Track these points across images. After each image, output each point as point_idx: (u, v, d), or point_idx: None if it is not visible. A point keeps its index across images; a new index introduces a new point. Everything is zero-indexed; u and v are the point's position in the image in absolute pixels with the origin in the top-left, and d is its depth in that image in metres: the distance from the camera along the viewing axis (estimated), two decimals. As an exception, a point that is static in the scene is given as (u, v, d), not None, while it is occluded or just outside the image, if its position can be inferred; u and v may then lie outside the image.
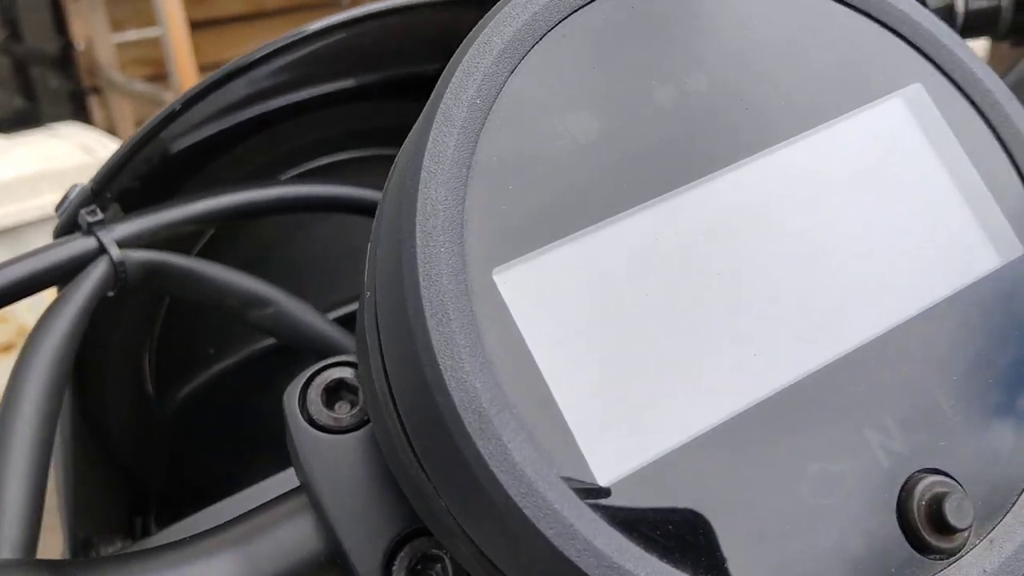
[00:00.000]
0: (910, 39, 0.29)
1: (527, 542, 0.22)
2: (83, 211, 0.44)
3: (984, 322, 0.27)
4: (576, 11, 0.26)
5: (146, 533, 0.58)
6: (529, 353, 0.23)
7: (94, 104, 3.43)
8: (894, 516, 0.24)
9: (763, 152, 0.26)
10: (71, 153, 2.32)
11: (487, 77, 0.24)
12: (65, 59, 3.31)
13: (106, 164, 0.46)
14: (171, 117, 0.47)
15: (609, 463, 0.23)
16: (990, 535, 0.25)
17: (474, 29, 0.25)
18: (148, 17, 3.19)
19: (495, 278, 0.23)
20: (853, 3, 0.28)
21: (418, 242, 0.23)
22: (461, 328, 0.22)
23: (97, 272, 0.42)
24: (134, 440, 0.61)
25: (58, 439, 0.50)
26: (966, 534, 0.24)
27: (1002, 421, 0.26)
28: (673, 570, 0.22)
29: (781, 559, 0.23)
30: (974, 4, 0.50)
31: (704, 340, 0.24)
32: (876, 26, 0.29)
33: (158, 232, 0.44)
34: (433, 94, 0.25)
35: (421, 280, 0.22)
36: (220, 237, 0.60)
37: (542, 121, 0.25)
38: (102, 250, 0.43)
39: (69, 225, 0.45)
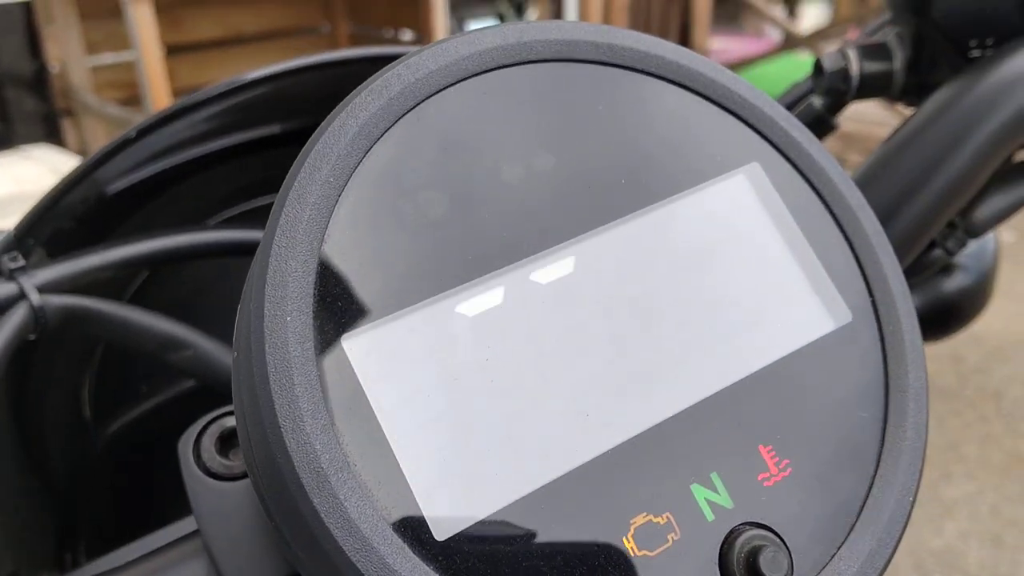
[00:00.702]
0: (748, 121, 0.31)
1: None
2: (5, 257, 0.45)
3: (812, 384, 0.29)
4: (431, 96, 0.28)
5: (76, 566, 0.60)
6: (373, 415, 0.25)
7: (67, 127, 3.44)
8: (716, 568, 0.26)
9: (605, 226, 0.28)
10: (42, 176, 2.33)
11: (340, 158, 0.26)
12: (39, 81, 3.32)
13: (32, 210, 0.48)
14: (100, 161, 0.49)
15: (445, 520, 0.25)
16: None
17: (331, 113, 0.27)
18: (123, 41, 3.20)
19: (344, 344, 0.25)
20: (694, 87, 0.31)
21: (266, 312, 0.24)
22: (304, 392, 0.24)
23: (17, 316, 0.44)
24: (70, 472, 0.62)
25: None
26: None
27: (823, 479, 0.28)
28: None
29: None
30: (868, 68, 0.52)
31: (538, 403, 0.26)
32: (716, 109, 0.31)
33: (79, 277, 0.46)
34: (290, 172, 0.26)
35: (267, 348, 0.24)
36: (155, 279, 0.61)
37: (395, 199, 0.27)
38: (22, 295, 0.44)
39: (-9, 270, 0.46)
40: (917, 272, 0.52)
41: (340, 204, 0.26)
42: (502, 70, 0.29)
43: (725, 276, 0.29)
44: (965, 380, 2.62)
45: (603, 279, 0.28)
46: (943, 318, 0.68)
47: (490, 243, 0.27)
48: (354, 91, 0.28)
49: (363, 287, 0.26)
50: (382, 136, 0.27)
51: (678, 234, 0.29)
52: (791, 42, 4.55)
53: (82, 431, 0.63)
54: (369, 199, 0.26)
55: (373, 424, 0.25)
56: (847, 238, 0.31)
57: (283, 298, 0.25)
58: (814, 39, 4.33)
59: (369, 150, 0.27)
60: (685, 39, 4.81)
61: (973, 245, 0.70)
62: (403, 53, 0.56)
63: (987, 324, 2.83)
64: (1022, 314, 2.90)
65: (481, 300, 0.27)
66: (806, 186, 0.31)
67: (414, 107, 0.28)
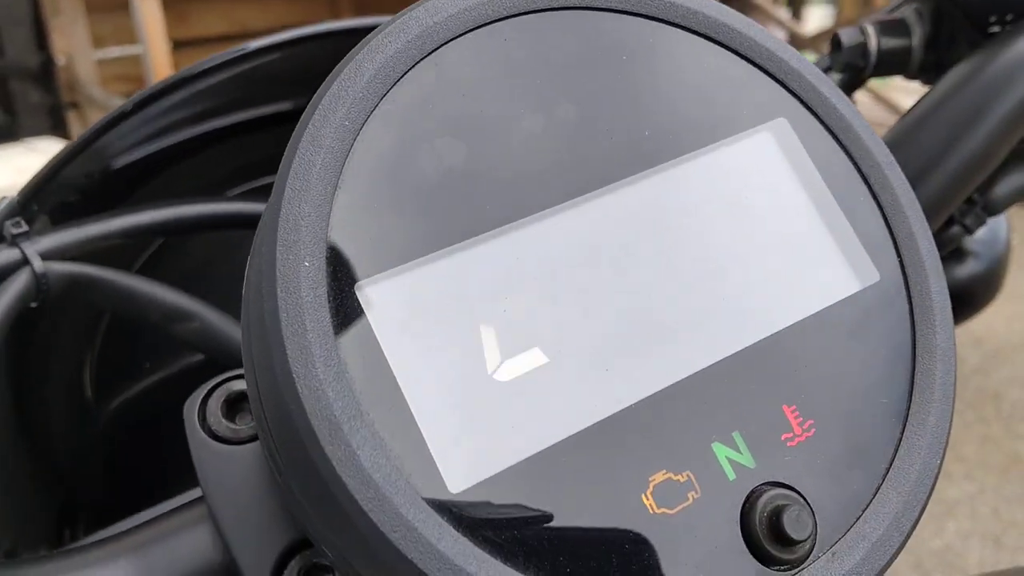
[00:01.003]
0: (775, 75, 0.30)
1: (377, 547, 0.23)
2: (8, 223, 0.44)
3: (838, 344, 0.28)
4: (449, 41, 0.27)
5: (75, 541, 0.59)
6: (387, 365, 0.24)
7: (73, 119, 3.44)
8: (737, 527, 0.25)
9: (628, 179, 0.28)
10: (45, 168, 2.31)
11: (356, 101, 0.25)
12: (46, 74, 3.31)
13: (35, 176, 0.47)
14: (100, 132, 0.48)
15: (460, 472, 0.24)
16: (833, 548, 0.26)
17: (348, 55, 0.27)
18: (129, 34, 3.20)
19: (357, 292, 0.24)
20: (720, 40, 0.30)
21: (278, 255, 0.24)
22: (317, 338, 0.23)
23: (19, 283, 0.43)
24: (71, 447, 0.62)
25: None
26: (807, 546, 0.25)
27: (848, 440, 0.27)
28: (515, 573, 0.23)
29: (623, 566, 0.24)
30: (886, 43, 0.52)
31: (558, 357, 0.25)
32: (743, 62, 0.30)
33: (83, 245, 0.45)
34: (303, 115, 0.26)
35: (279, 292, 0.23)
36: (164, 251, 0.60)
37: (411, 144, 0.26)
38: (25, 261, 0.44)
39: (-6, 237, 0.46)
40: (937, 248, 0.52)
41: (355, 148, 0.25)
42: (524, 16, 0.28)
43: (751, 233, 0.29)
44: (965, 381, 2.62)
45: (626, 233, 0.27)
46: (954, 304, 0.67)
47: (508, 193, 0.26)
48: (371, 33, 0.27)
49: (378, 234, 0.25)
50: (399, 80, 0.26)
51: (703, 189, 0.28)
52: (795, 43, 4.55)
53: (84, 407, 0.62)
54: (385, 144, 0.26)
55: (387, 373, 0.24)
56: (875, 196, 0.30)
57: (295, 242, 0.24)
58: (819, 40, 4.33)
59: (386, 94, 0.26)
60: (690, 39, 4.79)
61: (985, 232, 0.69)
62: None
63: (987, 325, 2.82)
64: (1022, 316, 2.89)
65: (499, 251, 0.26)
66: (834, 143, 0.30)
67: (433, 51, 0.27)
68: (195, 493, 0.40)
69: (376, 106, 0.26)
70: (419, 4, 0.28)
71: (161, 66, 2.93)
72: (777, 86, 0.30)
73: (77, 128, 3.42)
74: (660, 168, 0.28)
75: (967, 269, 0.68)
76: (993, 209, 0.49)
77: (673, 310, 0.27)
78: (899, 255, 0.29)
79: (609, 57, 0.29)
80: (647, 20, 0.29)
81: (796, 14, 5.72)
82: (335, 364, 0.23)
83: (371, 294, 0.24)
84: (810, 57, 0.52)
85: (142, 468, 0.61)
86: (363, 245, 0.25)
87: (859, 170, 0.30)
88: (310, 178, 0.25)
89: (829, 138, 0.30)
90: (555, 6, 0.28)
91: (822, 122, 0.30)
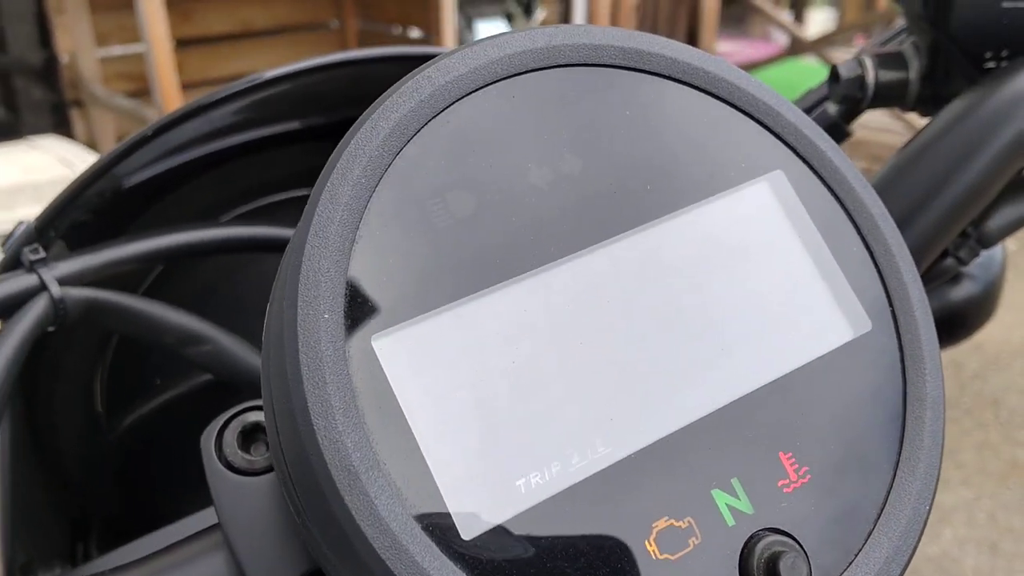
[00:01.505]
0: (772, 128, 0.31)
1: None
2: (26, 249, 0.46)
3: (832, 392, 0.29)
4: (460, 99, 0.28)
5: (87, 558, 0.60)
6: (402, 415, 0.25)
7: (76, 117, 3.45)
8: (736, 572, 0.27)
9: (630, 231, 0.29)
10: (50, 166, 2.33)
11: (372, 159, 0.27)
12: (49, 71, 3.32)
13: (52, 203, 0.49)
14: (117, 159, 0.49)
15: (472, 519, 0.25)
16: None
17: (363, 114, 0.28)
18: (133, 33, 3.21)
19: (374, 344, 0.26)
20: (720, 94, 0.31)
21: (299, 311, 0.25)
22: (336, 391, 0.24)
23: (37, 308, 0.44)
24: (82, 464, 0.63)
25: None
26: None
27: (842, 487, 0.28)
28: None
29: None
30: (884, 76, 0.53)
31: (564, 406, 0.27)
32: (742, 116, 0.31)
33: (99, 271, 0.46)
34: (322, 173, 0.27)
35: (300, 347, 0.25)
36: (168, 274, 0.62)
37: (424, 200, 0.27)
38: (43, 287, 0.45)
39: (13, 261, 0.47)
40: (929, 280, 0.53)
41: (371, 204, 0.26)
42: (531, 74, 0.29)
43: (748, 283, 0.30)
44: (964, 387, 2.63)
45: (629, 284, 0.28)
46: (950, 326, 0.69)
47: (518, 246, 0.28)
48: (385, 92, 0.28)
49: (393, 287, 0.26)
50: (412, 138, 0.27)
51: (702, 240, 0.30)
52: (798, 47, 4.56)
53: (95, 424, 0.63)
54: (399, 199, 0.27)
55: (402, 423, 0.25)
56: (868, 247, 0.31)
57: (316, 298, 0.25)
58: (820, 44, 4.34)
59: (400, 151, 0.27)
60: (692, 42, 4.81)
61: (981, 255, 0.70)
62: (421, 54, 0.57)
63: (987, 332, 2.83)
64: (1022, 323, 2.90)
65: (508, 302, 0.27)
66: (828, 194, 0.31)
67: (444, 109, 0.28)
68: (210, 518, 0.41)
69: (391, 163, 0.27)
70: (432, 63, 0.29)
71: (164, 65, 2.93)
72: (774, 139, 0.31)
73: (80, 126, 3.43)
74: (661, 220, 0.29)
75: (963, 291, 0.69)
76: (987, 242, 0.51)
77: (674, 359, 0.28)
78: (891, 305, 0.31)
79: (613, 112, 0.30)
80: (650, 76, 0.31)
81: (798, 17, 5.73)
82: (353, 416, 0.24)
83: (387, 346, 0.26)
84: (812, 62, 0.53)
85: (154, 484, 0.62)
86: (379, 298, 0.26)
87: (853, 221, 0.31)
88: (329, 234, 0.26)
89: (824, 190, 0.31)
90: (560, 63, 0.30)
91: (817, 174, 0.31)
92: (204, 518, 0.44)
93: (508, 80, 0.29)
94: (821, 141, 0.31)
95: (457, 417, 0.26)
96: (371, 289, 0.26)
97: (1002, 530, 2.10)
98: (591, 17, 4.16)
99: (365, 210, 0.26)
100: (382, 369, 0.25)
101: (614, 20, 4.23)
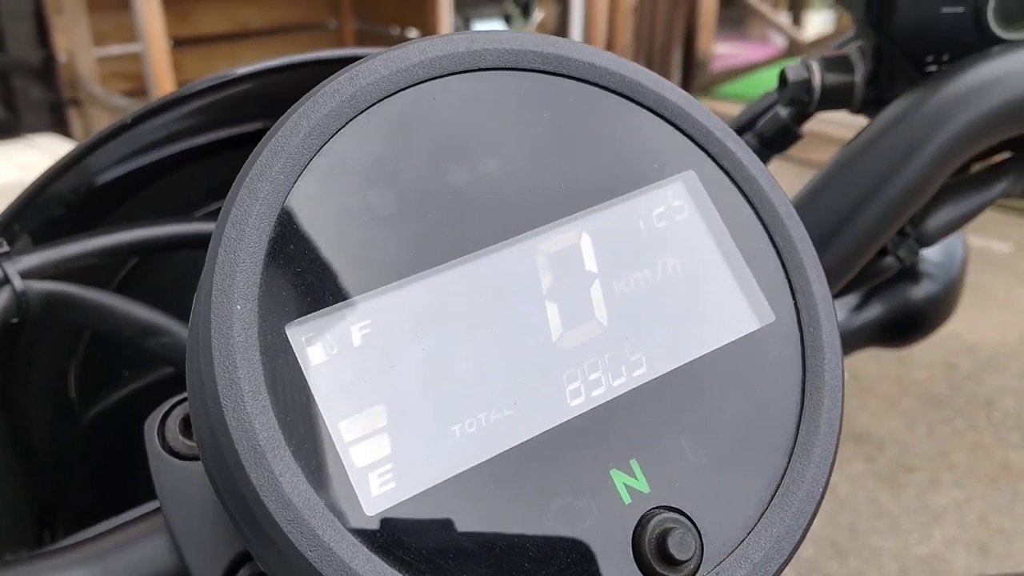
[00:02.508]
0: (685, 130, 0.33)
1: (297, 566, 0.26)
2: (-10, 243, 0.47)
3: (734, 378, 0.31)
4: (382, 100, 0.30)
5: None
6: (312, 398, 0.27)
7: (74, 116, 3.46)
8: (629, 548, 0.28)
9: (545, 227, 0.30)
10: (46, 164, 2.34)
11: (292, 156, 0.28)
12: (47, 71, 3.35)
13: (17, 198, 0.50)
14: (82, 155, 0.51)
15: (376, 496, 0.26)
16: (717, 568, 0.28)
17: (287, 111, 0.29)
18: (130, 33, 3.23)
19: (287, 332, 0.27)
20: (636, 98, 0.32)
21: (213, 300, 0.26)
22: (246, 375, 0.26)
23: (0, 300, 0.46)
24: (53, 452, 0.64)
25: None
26: (691, 565, 0.28)
27: (738, 469, 0.30)
28: None
29: None
30: (829, 79, 0.54)
31: (471, 391, 0.28)
32: (656, 118, 0.33)
33: (61, 264, 0.48)
34: (243, 168, 0.28)
35: (213, 334, 0.26)
36: (139, 269, 0.63)
37: (343, 196, 0.28)
38: (6, 280, 0.46)
39: (-23, 256, 0.48)
40: (870, 278, 0.54)
41: (290, 199, 0.28)
42: (452, 76, 0.31)
43: (658, 276, 0.31)
44: (957, 388, 2.64)
45: (540, 277, 0.30)
46: (907, 325, 0.70)
47: (434, 241, 0.29)
48: (309, 92, 0.30)
49: (308, 278, 0.28)
50: (333, 136, 0.29)
51: (615, 235, 0.31)
52: (795, 49, 4.57)
53: (66, 413, 0.65)
54: (318, 195, 0.28)
55: (311, 404, 0.26)
56: (774, 244, 0.32)
57: (230, 287, 0.27)
58: (818, 46, 4.35)
59: (320, 149, 0.29)
60: (690, 44, 4.83)
61: (940, 255, 0.71)
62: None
63: (981, 334, 2.84)
64: (1017, 325, 2.91)
65: (422, 293, 0.28)
66: (738, 193, 0.33)
67: (366, 109, 0.29)
68: (155, 504, 0.42)
69: (310, 161, 0.28)
70: (355, 65, 0.30)
71: (161, 64, 2.95)
72: (687, 140, 0.33)
73: (78, 125, 3.45)
74: (576, 216, 0.31)
75: (922, 291, 0.70)
76: (925, 241, 0.52)
77: (583, 347, 0.30)
78: (794, 297, 0.32)
79: (531, 115, 0.31)
80: (568, 80, 0.32)
81: (796, 20, 5.74)
82: (262, 398, 0.26)
83: (299, 334, 0.27)
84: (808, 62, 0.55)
85: (120, 473, 0.64)
86: (293, 289, 0.27)
87: (761, 220, 0.33)
88: (245, 227, 0.27)
89: (735, 190, 0.33)
90: (480, 67, 0.31)
91: (728, 175, 0.33)
92: (152, 505, 0.45)
93: (430, 82, 0.31)
94: (731, 142, 0.33)
95: (365, 401, 0.27)
96: (286, 280, 0.27)
97: (992, 531, 2.11)
98: (589, 19, 4.17)
99: (283, 205, 0.28)
100: (294, 355, 0.27)
101: (612, 22, 4.24)
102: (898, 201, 0.48)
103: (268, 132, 0.29)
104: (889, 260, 0.52)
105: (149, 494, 0.49)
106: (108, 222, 0.60)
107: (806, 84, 0.54)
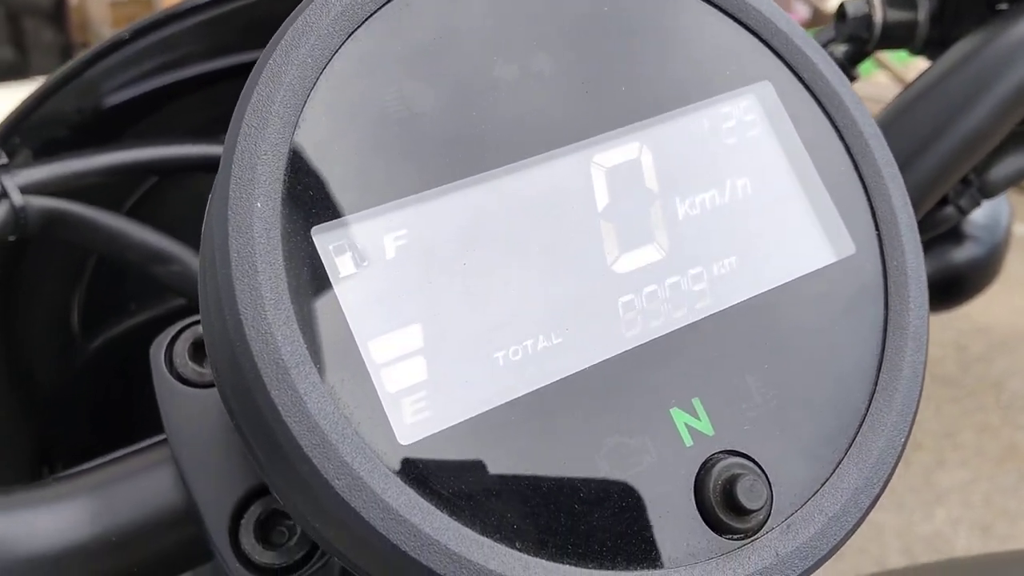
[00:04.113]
0: (763, 37, 0.29)
1: (321, 494, 0.22)
2: (-13, 155, 0.44)
3: (808, 316, 0.28)
4: None
5: (52, 480, 0.59)
6: (341, 312, 0.23)
7: (83, 60, 3.42)
8: (691, 493, 0.25)
9: (600, 136, 0.27)
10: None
11: (321, 37, 0.25)
12: (58, 13, 3.29)
13: (17, 107, 0.47)
14: (87, 64, 0.47)
15: (411, 424, 0.23)
16: (788, 520, 0.25)
17: None
18: (143, -24, 3.18)
19: (314, 237, 0.24)
20: None
21: (231, 193, 0.23)
22: (268, 280, 0.23)
23: (-4, 215, 0.42)
24: (54, 384, 0.62)
25: None
26: (761, 516, 0.25)
27: (811, 414, 0.27)
28: (460, 526, 0.23)
29: (571, 526, 0.24)
30: (892, 16, 0.50)
31: (516, 313, 0.25)
32: (730, 21, 0.29)
33: (65, 180, 0.45)
34: (265, 49, 0.25)
35: (231, 232, 0.23)
36: (154, 193, 0.60)
37: (377, 87, 0.25)
38: (3, 194, 0.43)
39: (-27, 167, 0.45)
40: (929, 228, 0.51)
41: (317, 87, 0.25)
42: None
43: (726, 198, 0.28)
44: (966, 369, 2.61)
45: (595, 192, 0.27)
46: (950, 288, 0.67)
47: (475, 144, 0.26)
48: None
49: (338, 178, 0.24)
50: (368, 18, 0.25)
51: (679, 150, 0.28)
52: (819, 18, 4.49)
53: (69, 343, 0.62)
54: (349, 85, 0.25)
55: (339, 320, 0.23)
56: (857, 168, 0.29)
57: (250, 181, 0.23)
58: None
59: (352, 32, 0.25)
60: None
61: (985, 217, 0.68)
62: None
63: (993, 315, 2.81)
64: (1029, 307, 2.88)
65: (464, 203, 0.25)
66: (819, 110, 0.29)
67: None
68: (160, 436, 0.40)
69: (343, 44, 0.25)
70: None
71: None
72: (764, 48, 0.29)
73: (88, 69, 3.40)
74: (635, 127, 0.27)
75: (965, 253, 0.67)
76: (989, 191, 0.49)
77: (640, 272, 0.26)
78: (877, 229, 0.29)
79: (589, 8, 0.28)
80: None
81: (820, -11, 5.64)
82: (285, 308, 0.23)
83: (328, 240, 0.24)
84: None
85: (123, 408, 0.61)
86: (322, 189, 0.24)
87: (843, 140, 0.29)
88: (268, 115, 0.24)
89: (814, 105, 0.29)
90: None
91: (808, 88, 0.29)
92: (156, 438, 0.43)
93: None
94: (814, 53, 0.29)
95: (400, 319, 0.24)
96: (313, 178, 0.24)
97: (997, 512, 2.09)
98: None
99: (311, 93, 0.24)
100: (322, 263, 0.24)
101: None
102: (963, 146, 0.44)
103: (295, 11, 0.26)
104: (948, 210, 0.49)
105: (153, 432, 0.46)
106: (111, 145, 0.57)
107: (867, 20, 0.51)
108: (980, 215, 0.68)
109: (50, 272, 0.59)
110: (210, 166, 0.50)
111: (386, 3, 0.26)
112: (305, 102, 0.24)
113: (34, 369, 0.60)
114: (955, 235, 0.66)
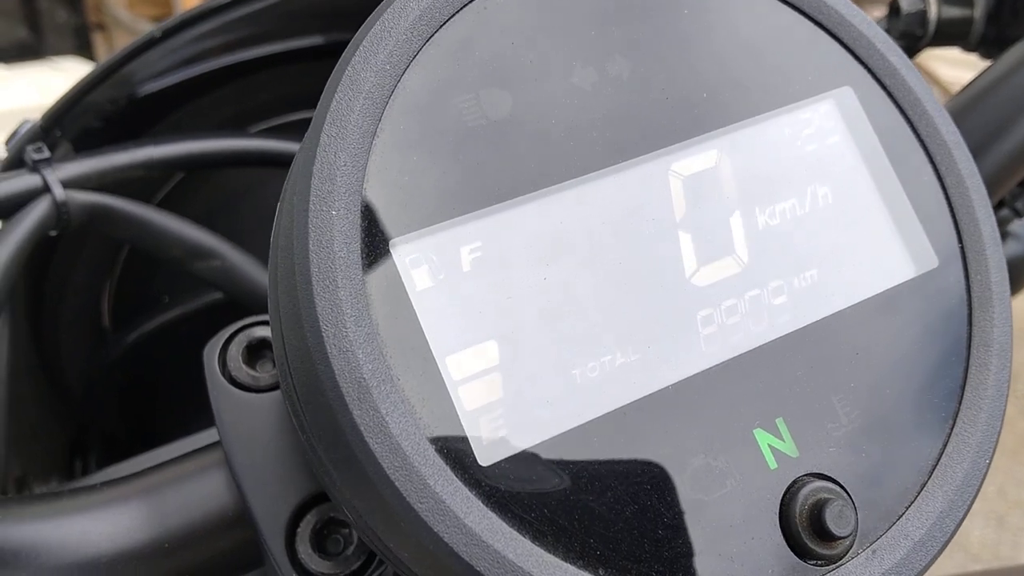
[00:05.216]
0: (844, 41, 0.28)
1: (402, 517, 0.22)
2: (29, 148, 0.43)
3: (890, 332, 0.27)
4: None
5: (86, 473, 0.59)
6: (420, 328, 0.23)
7: (98, 40, 3.41)
8: (776, 518, 0.24)
9: (681, 144, 0.26)
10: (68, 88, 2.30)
11: (399, 44, 0.24)
12: (72, -7, 3.28)
13: (58, 101, 0.46)
14: (127, 58, 0.47)
15: (491, 444, 0.23)
16: (873, 545, 0.25)
17: None
18: (158, -43, 3.16)
19: (393, 249, 0.23)
20: (789, 0, 0.28)
21: (311, 206, 0.22)
22: (348, 296, 0.22)
23: (39, 210, 0.42)
24: (85, 380, 0.61)
25: None
26: (847, 542, 0.24)
27: (895, 434, 0.26)
28: (543, 552, 0.22)
29: (654, 551, 0.23)
30: (947, 13, 0.49)
31: (596, 330, 0.24)
32: (810, 25, 0.28)
33: (106, 175, 0.44)
34: (342, 56, 0.24)
35: (311, 246, 0.22)
36: (183, 186, 0.59)
37: (454, 94, 0.24)
38: (46, 188, 0.42)
39: (16, 160, 0.44)
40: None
41: (396, 94, 0.24)
42: None
43: (806, 207, 0.27)
44: (984, 360, 2.60)
45: (673, 202, 0.26)
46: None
47: (554, 153, 0.25)
48: None
49: (416, 188, 0.23)
50: (446, 23, 0.25)
51: (758, 158, 0.27)
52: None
53: (99, 338, 0.61)
54: (427, 92, 0.24)
55: (419, 336, 0.23)
56: (939, 177, 0.28)
57: (330, 193, 0.23)
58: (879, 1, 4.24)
59: (431, 37, 0.24)
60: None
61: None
62: None
63: (1015, 305, 2.79)
64: (1049, 299, 2.86)
65: (543, 214, 0.24)
66: (900, 116, 0.28)
67: None
68: (211, 436, 0.39)
69: (420, 49, 0.24)
70: None
71: (189, -9, 2.89)
72: (845, 52, 0.28)
73: (103, 49, 3.39)
74: (715, 134, 0.27)
75: (1006, 251, 0.66)
76: (1046, 194, 0.48)
77: (720, 287, 0.26)
78: (960, 241, 0.28)
79: (667, 11, 0.27)
80: None
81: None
82: (366, 325, 0.22)
83: (408, 252, 0.23)
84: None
85: (155, 403, 0.60)
86: (401, 199, 0.23)
87: (925, 148, 0.28)
88: (348, 124, 0.23)
89: (895, 111, 0.28)
90: None
91: (889, 94, 0.28)
92: (206, 438, 0.42)
93: None
94: (896, 58, 0.28)
95: (480, 334, 0.23)
96: (392, 188, 0.23)
97: (1011, 504, 2.08)
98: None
99: (389, 100, 0.24)
100: (400, 276, 0.23)
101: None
102: (1021, 150, 0.43)
103: (370, 17, 0.25)
104: (1005, 212, 0.48)
105: (188, 427, 0.46)
106: (149, 136, 0.56)
107: (921, 16, 0.50)
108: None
109: (81, 265, 0.58)
110: (248, 161, 0.50)
111: (463, 7, 0.25)
112: (384, 110, 0.23)
113: (64, 364, 0.60)
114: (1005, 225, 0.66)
